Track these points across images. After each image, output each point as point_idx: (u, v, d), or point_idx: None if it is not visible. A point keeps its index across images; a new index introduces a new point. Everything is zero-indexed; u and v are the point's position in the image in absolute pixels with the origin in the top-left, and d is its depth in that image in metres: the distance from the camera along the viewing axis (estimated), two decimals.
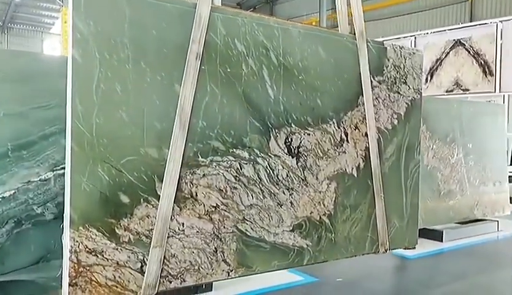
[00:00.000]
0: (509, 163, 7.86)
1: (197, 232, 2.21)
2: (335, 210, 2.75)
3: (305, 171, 2.62)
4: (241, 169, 2.36)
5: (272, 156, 2.48)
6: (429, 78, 10.42)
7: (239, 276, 2.38)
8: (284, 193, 2.53)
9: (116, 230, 1.98)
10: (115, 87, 1.97)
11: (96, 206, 1.93)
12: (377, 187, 2.94)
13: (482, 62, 9.56)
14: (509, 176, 6.68)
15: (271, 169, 2.47)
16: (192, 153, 2.19)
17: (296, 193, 2.58)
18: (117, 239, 1.98)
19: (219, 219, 2.28)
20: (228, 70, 2.30)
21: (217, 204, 2.27)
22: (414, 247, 3.23)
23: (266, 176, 2.45)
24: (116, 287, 1.98)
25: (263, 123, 2.44)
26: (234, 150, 2.33)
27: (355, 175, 2.85)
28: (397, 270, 3.76)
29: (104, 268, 1.94)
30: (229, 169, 2.31)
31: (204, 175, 2.23)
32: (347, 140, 2.81)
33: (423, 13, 15.94)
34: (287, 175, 2.54)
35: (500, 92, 9.23)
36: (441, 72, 10.25)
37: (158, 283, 2.08)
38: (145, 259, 2.05)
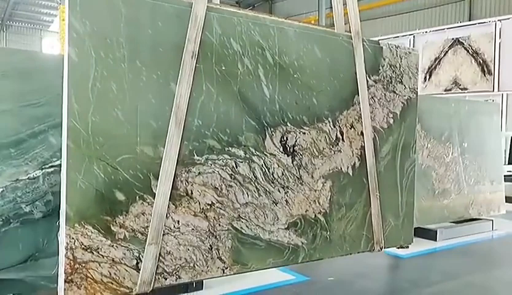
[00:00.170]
0: (506, 162, 7.88)
1: (193, 229, 2.23)
2: (330, 208, 2.77)
3: (300, 170, 2.64)
4: (237, 167, 2.38)
5: (268, 155, 2.50)
6: (428, 77, 10.45)
7: (234, 274, 2.40)
8: (279, 191, 2.55)
9: (112, 227, 2.00)
10: (110, 86, 1.99)
11: (91, 203, 1.95)
12: (372, 186, 2.96)
13: (481, 61, 9.58)
14: (507, 175, 6.71)
15: (266, 167, 2.49)
16: (187, 151, 2.21)
17: (292, 191, 2.60)
18: (113, 236, 2.00)
19: (214, 217, 2.30)
20: (224, 69, 2.31)
21: (212, 202, 2.29)
22: (408, 247, 3.24)
23: (262, 174, 2.47)
24: (112, 283, 2.00)
25: (259, 122, 2.46)
26: (230, 148, 2.35)
27: (351, 174, 2.87)
28: (390, 269, 3.77)
29: (100, 265, 1.96)
30: (224, 168, 2.33)
31: (199, 173, 2.25)
32: (343, 139, 2.83)
33: (422, 12, 15.95)
34: (283, 173, 2.56)
35: (498, 91, 9.26)
36: (439, 71, 10.27)
37: (153, 280, 2.10)
38: (140, 256, 2.07)
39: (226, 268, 2.35)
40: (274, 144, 2.52)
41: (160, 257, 2.12)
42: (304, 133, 2.65)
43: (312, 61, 2.65)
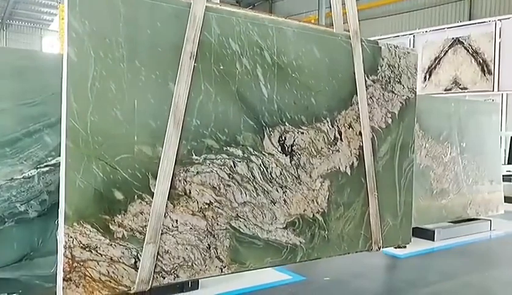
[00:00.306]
0: (506, 162, 7.88)
1: (191, 228, 2.24)
2: (328, 208, 2.78)
3: (299, 169, 2.65)
4: (235, 167, 2.39)
5: (266, 154, 2.51)
6: (428, 76, 10.45)
7: (232, 273, 2.41)
8: (278, 191, 2.56)
9: (111, 226, 2.01)
10: (109, 86, 2.00)
11: (90, 202, 1.96)
12: (370, 186, 2.97)
13: (481, 60, 9.59)
14: (507, 175, 6.70)
15: (264, 167, 2.50)
16: (186, 151, 2.22)
17: (290, 191, 2.61)
18: (111, 235, 2.01)
19: (212, 216, 2.31)
20: (222, 69, 2.32)
21: (210, 201, 2.30)
22: (405, 246, 3.25)
23: (260, 173, 2.48)
24: (110, 282, 2.01)
25: (257, 121, 2.47)
26: (228, 148, 2.36)
27: (349, 173, 2.88)
28: (386, 269, 3.77)
29: (98, 264, 1.98)
30: (222, 167, 2.34)
31: (197, 173, 2.26)
32: (341, 139, 2.84)
33: (422, 11, 15.95)
34: (281, 173, 2.57)
35: (498, 91, 9.26)
36: (439, 70, 10.27)
37: (151, 279, 2.11)
38: (138, 255, 2.08)
39: (224, 267, 2.36)
40: (272, 143, 2.53)
41: (158, 256, 2.13)
42: (303, 133, 2.66)
43: (310, 61, 2.66)
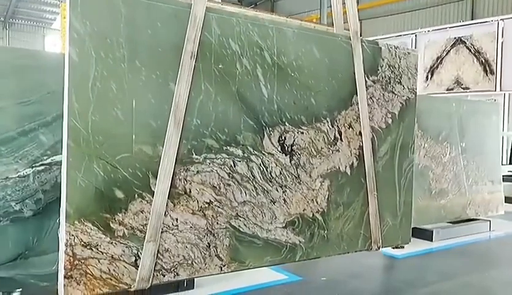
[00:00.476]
0: (507, 162, 7.85)
1: (191, 227, 2.26)
2: (328, 207, 2.79)
3: (298, 169, 2.66)
4: (235, 166, 2.40)
5: (266, 154, 2.52)
6: (429, 76, 10.43)
7: (232, 271, 2.43)
8: (277, 190, 2.57)
9: (111, 225, 2.03)
10: (110, 85, 2.02)
11: (91, 201, 1.98)
12: (370, 186, 2.98)
13: (483, 60, 9.56)
14: (508, 176, 6.68)
15: (264, 166, 2.51)
16: (186, 150, 2.24)
17: (290, 190, 2.62)
18: (112, 233, 2.03)
19: (212, 215, 2.33)
20: (222, 69, 2.34)
21: (210, 200, 2.32)
22: (403, 247, 3.25)
23: (260, 173, 2.50)
24: (111, 280, 2.03)
25: (257, 121, 2.48)
26: (228, 147, 2.38)
27: (349, 173, 2.89)
28: (384, 269, 3.76)
29: (99, 262, 2.00)
30: (222, 167, 2.36)
31: (197, 172, 2.27)
32: (341, 139, 2.85)
33: (424, 11, 15.91)
34: (281, 173, 2.58)
35: (500, 91, 9.24)
36: (441, 70, 10.25)
37: (151, 277, 2.13)
38: (139, 253, 2.10)
39: (224, 265, 2.38)
40: (272, 143, 2.54)
41: (158, 255, 2.15)
42: (302, 133, 2.67)
43: (310, 61, 2.68)
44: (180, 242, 2.22)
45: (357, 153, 2.93)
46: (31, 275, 2.45)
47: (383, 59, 3.05)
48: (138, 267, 2.10)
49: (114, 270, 2.04)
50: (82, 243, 1.96)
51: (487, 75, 9.50)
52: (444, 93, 9.89)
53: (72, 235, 1.93)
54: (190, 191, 2.25)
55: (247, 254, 2.46)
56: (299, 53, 2.62)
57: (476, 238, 4.71)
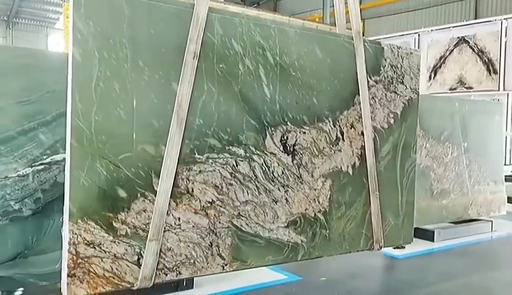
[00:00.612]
0: (511, 162, 7.82)
1: (193, 226, 2.27)
2: (330, 207, 2.80)
3: (300, 169, 2.67)
4: (237, 166, 2.41)
5: (268, 153, 2.53)
6: (433, 75, 10.40)
7: (234, 270, 2.44)
8: (279, 190, 2.58)
9: (114, 224, 2.05)
10: (113, 86, 2.03)
11: (94, 200, 1.99)
12: (372, 185, 2.99)
13: (487, 60, 9.52)
14: (511, 176, 6.65)
15: (266, 166, 2.52)
16: (189, 150, 2.25)
17: (292, 190, 2.63)
18: (115, 232, 2.05)
19: (214, 215, 2.34)
20: (225, 69, 2.35)
21: (212, 200, 2.33)
22: (404, 247, 3.24)
23: (262, 173, 2.51)
24: (114, 278, 2.05)
25: (259, 121, 2.49)
26: (230, 147, 2.39)
27: (351, 173, 2.90)
28: (384, 269, 3.74)
29: (102, 260, 2.01)
30: (225, 166, 2.37)
31: (200, 171, 2.29)
32: (343, 139, 2.86)
33: (427, 10, 15.87)
34: (283, 172, 2.59)
35: (504, 90, 9.20)
36: (444, 69, 10.22)
37: (154, 275, 2.14)
38: (141, 252, 2.11)
39: (226, 264, 2.39)
40: (274, 143, 2.55)
41: (161, 253, 2.17)
42: (305, 133, 2.68)
43: (312, 61, 2.68)
44: (183, 241, 2.24)
45: (359, 153, 2.93)
46: (30, 274, 2.46)
47: (385, 59, 3.05)
48: (141, 265, 2.11)
49: (117, 269, 2.05)
50: (85, 241, 1.97)
51: (490, 74, 9.47)
52: (447, 92, 9.86)
53: (75, 234, 1.95)
54: (192, 190, 2.26)
55: (249, 253, 2.47)
56: (301, 53, 2.63)
57: (477, 238, 4.68)
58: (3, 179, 2.41)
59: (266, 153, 2.52)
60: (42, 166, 2.50)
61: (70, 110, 1.94)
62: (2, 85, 2.39)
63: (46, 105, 2.49)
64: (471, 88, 9.74)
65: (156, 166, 2.14)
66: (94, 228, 1.99)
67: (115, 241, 2.05)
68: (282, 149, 2.58)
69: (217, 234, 2.35)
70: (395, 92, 3.12)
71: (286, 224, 2.62)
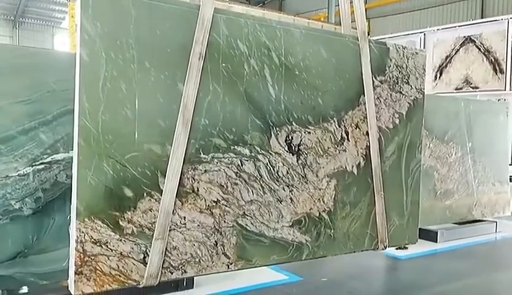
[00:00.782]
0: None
1: (199, 225, 2.29)
2: (335, 207, 2.81)
3: (305, 169, 2.68)
4: (242, 165, 2.43)
5: (273, 153, 2.54)
6: (438, 75, 10.35)
7: (239, 269, 2.46)
8: (284, 189, 2.59)
9: (120, 222, 2.07)
10: (120, 86, 2.05)
11: (101, 199, 2.02)
12: (377, 185, 2.99)
13: (493, 59, 9.46)
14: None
15: (271, 166, 2.54)
16: (194, 149, 2.27)
17: (296, 189, 2.64)
18: (121, 231, 2.07)
19: (220, 214, 2.35)
20: (230, 69, 2.36)
21: (217, 199, 2.35)
22: (407, 247, 3.22)
23: (267, 172, 2.52)
24: (120, 276, 2.07)
25: (264, 121, 2.50)
26: (235, 147, 2.40)
27: (355, 173, 2.90)
28: (386, 270, 3.73)
29: (108, 258, 2.04)
30: (230, 166, 2.38)
31: (205, 171, 2.30)
32: (348, 139, 2.86)
33: (433, 9, 15.79)
34: (287, 172, 2.60)
35: (510, 90, 9.14)
36: (450, 69, 10.16)
37: (159, 274, 2.17)
38: (147, 251, 2.13)
39: (231, 263, 2.41)
40: (279, 143, 2.56)
41: (166, 252, 2.19)
42: (309, 133, 2.69)
43: (318, 62, 2.69)
44: (188, 240, 2.25)
45: (364, 153, 2.93)
46: (30, 273, 2.47)
47: (390, 60, 3.05)
48: (146, 264, 2.13)
49: (123, 267, 2.08)
50: (92, 240, 1.99)
51: (496, 74, 9.40)
52: (453, 92, 9.81)
53: (83, 232, 1.97)
54: (198, 190, 2.28)
55: (254, 253, 2.48)
56: (306, 53, 2.64)
57: (481, 239, 4.65)
58: (4, 178, 2.42)
59: (271, 153, 2.53)
60: (42, 166, 2.50)
61: (78, 110, 1.97)
62: (2, 85, 2.40)
63: (46, 104, 2.50)
64: (477, 87, 9.68)
65: (162, 165, 2.16)
66: (101, 226, 2.02)
67: (121, 240, 2.07)
68: (287, 148, 2.59)
69: (222, 233, 2.37)
70: (400, 92, 3.12)
71: (291, 224, 2.63)
